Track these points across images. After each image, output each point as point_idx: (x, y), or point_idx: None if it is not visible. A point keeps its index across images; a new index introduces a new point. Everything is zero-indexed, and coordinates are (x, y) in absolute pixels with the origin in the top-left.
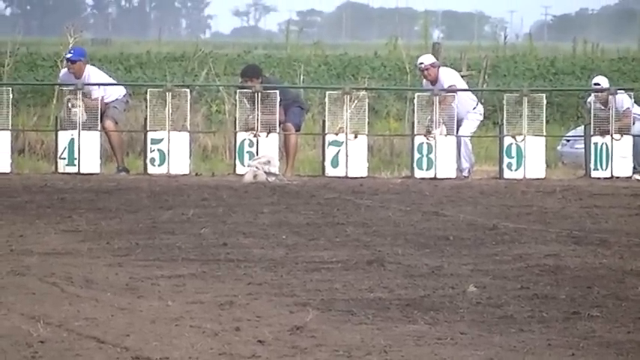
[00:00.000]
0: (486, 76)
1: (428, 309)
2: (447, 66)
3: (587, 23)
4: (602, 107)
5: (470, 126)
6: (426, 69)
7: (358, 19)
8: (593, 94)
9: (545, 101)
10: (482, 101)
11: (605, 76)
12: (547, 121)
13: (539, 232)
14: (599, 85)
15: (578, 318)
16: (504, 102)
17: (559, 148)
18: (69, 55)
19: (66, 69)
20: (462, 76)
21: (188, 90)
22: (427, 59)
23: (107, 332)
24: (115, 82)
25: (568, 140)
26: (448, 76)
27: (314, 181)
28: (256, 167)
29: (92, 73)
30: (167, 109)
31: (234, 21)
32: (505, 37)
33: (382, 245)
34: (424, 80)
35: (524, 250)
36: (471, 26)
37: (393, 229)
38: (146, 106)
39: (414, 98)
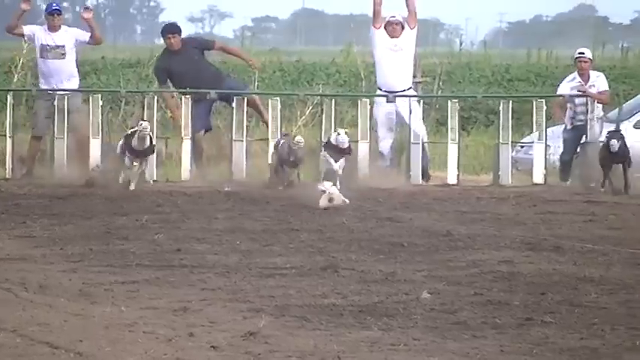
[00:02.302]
0: (441, 83)
1: (381, 315)
2: None
3: (541, 30)
4: (581, 82)
5: (424, 130)
6: (396, 23)
7: (313, 25)
8: (576, 69)
9: (509, 107)
10: (437, 107)
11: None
12: (502, 127)
13: (493, 239)
14: (583, 54)
15: (532, 324)
16: (453, 108)
17: (513, 154)
18: (55, 7)
19: (41, 26)
20: (417, 83)
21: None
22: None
23: (60, 337)
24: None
25: (522, 146)
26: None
27: (270, 187)
28: (330, 190)
29: (65, 27)
30: (120, 115)
31: (190, 27)
32: (460, 44)
33: (336, 251)
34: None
35: (478, 256)
36: (426, 33)
37: (347, 236)
38: (101, 112)
39: (369, 104)
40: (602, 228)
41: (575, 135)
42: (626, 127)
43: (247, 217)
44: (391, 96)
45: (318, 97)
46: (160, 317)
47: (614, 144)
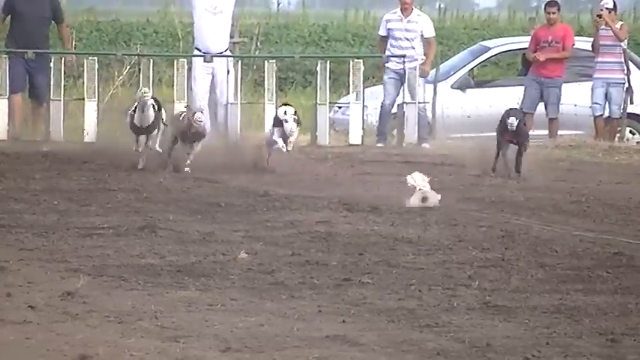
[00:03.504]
0: (258, 43)
1: (199, 275)
2: None
3: None
4: (401, 17)
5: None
6: None
7: None
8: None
9: (326, 68)
10: (255, 67)
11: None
12: (320, 88)
13: (310, 199)
14: None
15: (350, 285)
16: (270, 69)
17: (331, 115)
18: None
19: None
20: (234, 43)
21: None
22: None
23: None
24: None
25: (340, 107)
26: None
27: (86, 147)
28: (421, 188)
29: None
30: None
31: None
32: (278, 4)
33: (154, 211)
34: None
35: (296, 216)
36: None
37: (164, 196)
38: None
39: (186, 65)
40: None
41: (396, 80)
42: (443, 88)
43: (64, 176)
44: (208, 56)
45: (136, 57)
46: None
47: (513, 122)
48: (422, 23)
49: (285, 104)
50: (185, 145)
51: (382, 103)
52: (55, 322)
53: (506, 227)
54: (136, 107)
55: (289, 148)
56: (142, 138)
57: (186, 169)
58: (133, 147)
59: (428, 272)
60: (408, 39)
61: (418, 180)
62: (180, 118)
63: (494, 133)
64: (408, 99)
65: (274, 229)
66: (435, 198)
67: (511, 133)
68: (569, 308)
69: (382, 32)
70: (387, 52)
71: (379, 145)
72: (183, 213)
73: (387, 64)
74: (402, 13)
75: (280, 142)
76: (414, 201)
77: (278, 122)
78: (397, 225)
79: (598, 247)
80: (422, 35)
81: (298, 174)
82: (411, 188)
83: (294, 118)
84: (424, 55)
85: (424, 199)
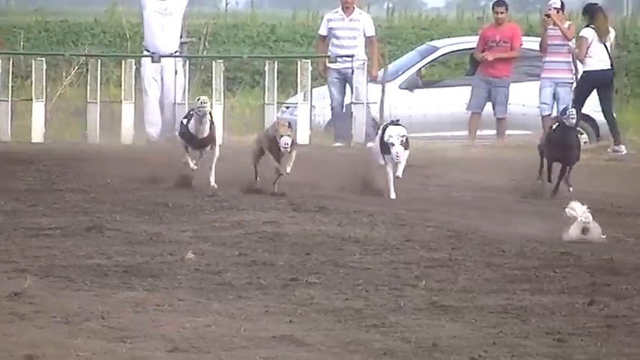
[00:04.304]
0: (207, 44)
1: (146, 275)
2: None
3: None
4: (343, 16)
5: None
6: None
7: None
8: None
9: (274, 68)
10: (203, 68)
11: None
12: (268, 88)
13: (257, 199)
14: None
15: (297, 285)
16: (218, 69)
17: (279, 115)
18: None
19: None
20: (182, 43)
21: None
22: None
23: None
24: None
25: (288, 107)
26: None
27: (34, 147)
28: (585, 218)
29: None
30: None
31: None
32: (226, 4)
33: (101, 212)
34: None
35: (243, 217)
36: None
37: (112, 196)
38: None
39: (135, 65)
40: (367, 189)
41: (340, 80)
42: (391, 88)
43: (12, 177)
44: (156, 56)
45: (84, 58)
46: None
47: (572, 113)
48: (364, 22)
49: (393, 123)
50: (276, 160)
51: (331, 106)
52: (1, 323)
53: (453, 227)
54: (189, 116)
55: (399, 174)
56: (195, 153)
57: (284, 172)
58: (182, 159)
59: (375, 272)
60: (351, 38)
61: (579, 210)
62: (267, 133)
63: (443, 133)
64: (354, 99)
65: (222, 229)
66: (597, 230)
67: (560, 149)
68: (517, 308)
69: (323, 32)
70: (329, 53)
71: (337, 144)
72: (130, 213)
73: (329, 65)
74: (343, 12)
75: (389, 168)
76: (573, 231)
77: (384, 143)
78: (344, 225)
79: (545, 246)
80: (364, 34)
81: (245, 174)
82: (571, 219)
83: (402, 141)
84: (366, 54)
85: (585, 229)
